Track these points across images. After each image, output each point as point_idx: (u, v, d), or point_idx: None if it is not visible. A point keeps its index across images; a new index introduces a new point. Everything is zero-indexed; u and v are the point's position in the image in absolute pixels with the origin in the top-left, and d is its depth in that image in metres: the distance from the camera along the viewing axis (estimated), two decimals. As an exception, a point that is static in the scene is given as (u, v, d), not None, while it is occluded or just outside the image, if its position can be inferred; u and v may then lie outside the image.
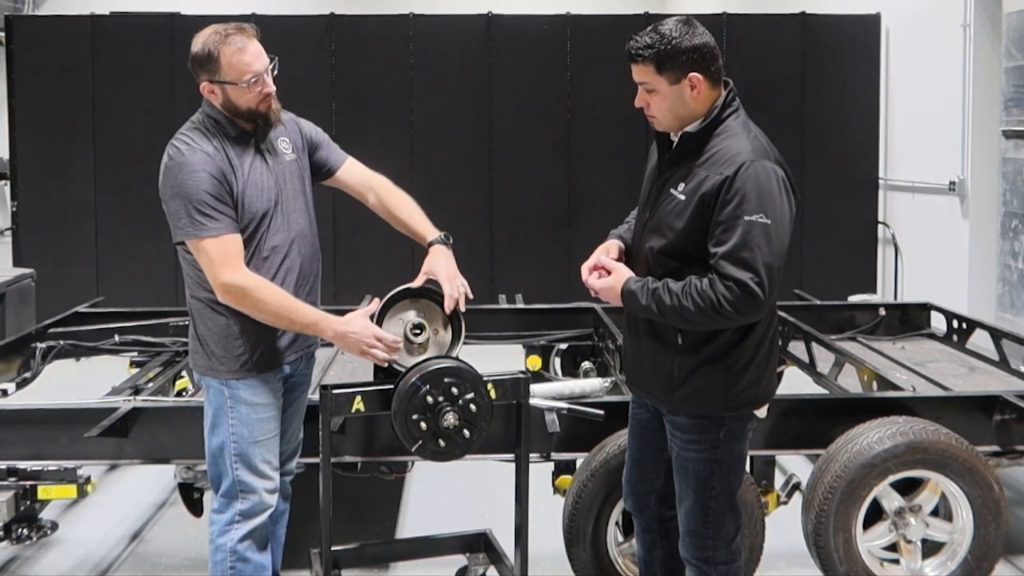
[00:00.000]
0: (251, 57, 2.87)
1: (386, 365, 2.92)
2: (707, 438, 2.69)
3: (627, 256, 2.83)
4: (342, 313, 2.99)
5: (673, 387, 2.68)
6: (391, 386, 2.86)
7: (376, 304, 2.97)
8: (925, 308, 5.56)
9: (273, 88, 2.94)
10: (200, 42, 2.89)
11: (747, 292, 2.48)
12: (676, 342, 2.66)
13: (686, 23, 2.62)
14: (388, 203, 3.18)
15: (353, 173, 3.24)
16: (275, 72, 2.95)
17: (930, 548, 3.56)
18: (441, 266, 2.99)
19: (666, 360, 2.69)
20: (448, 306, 2.95)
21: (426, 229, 3.13)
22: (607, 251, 2.82)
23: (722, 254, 2.51)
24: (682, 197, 2.61)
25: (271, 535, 3.12)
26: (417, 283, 3.01)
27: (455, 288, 2.95)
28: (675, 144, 2.71)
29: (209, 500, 3.55)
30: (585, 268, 2.79)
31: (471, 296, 3.00)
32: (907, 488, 3.53)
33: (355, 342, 2.86)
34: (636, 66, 2.63)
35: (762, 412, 2.75)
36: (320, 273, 3.15)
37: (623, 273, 2.70)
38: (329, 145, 3.22)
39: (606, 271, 2.75)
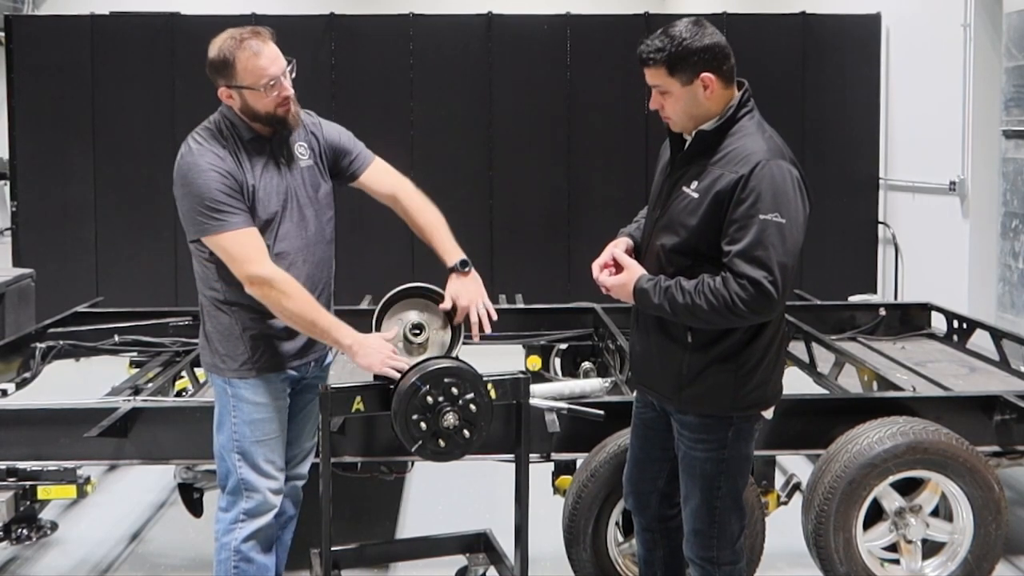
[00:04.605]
0: (267, 61, 2.84)
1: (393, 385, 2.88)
2: (715, 438, 2.69)
3: (636, 254, 2.83)
4: (341, 315, 2.98)
5: (682, 386, 2.68)
6: (391, 386, 2.85)
7: (394, 331, 2.95)
8: (925, 308, 5.56)
9: (291, 91, 2.90)
10: (216, 47, 2.86)
11: (761, 291, 2.48)
12: (686, 340, 2.66)
13: (696, 24, 2.61)
14: (411, 216, 3.12)
15: (378, 179, 3.17)
16: (293, 75, 2.92)
17: (930, 548, 3.55)
18: (463, 295, 2.98)
19: (676, 358, 2.68)
20: (474, 334, 2.97)
21: (446, 249, 3.06)
22: (616, 248, 2.81)
23: (736, 252, 2.51)
24: (695, 195, 2.61)
25: (278, 540, 3.11)
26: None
27: (477, 312, 2.96)
28: (688, 142, 2.70)
29: (208, 500, 3.54)
30: (596, 265, 2.79)
31: (495, 318, 2.99)
32: (907, 488, 3.53)
33: (374, 352, 2.83)
34: (648, 69, 2.64)
35: (769, 413, 2.75)
36: (332, 281, 3.11)
37: (635, 271, 2.69)
38: (354, 149, 3.14)
39: (617, 268, 2.75)
